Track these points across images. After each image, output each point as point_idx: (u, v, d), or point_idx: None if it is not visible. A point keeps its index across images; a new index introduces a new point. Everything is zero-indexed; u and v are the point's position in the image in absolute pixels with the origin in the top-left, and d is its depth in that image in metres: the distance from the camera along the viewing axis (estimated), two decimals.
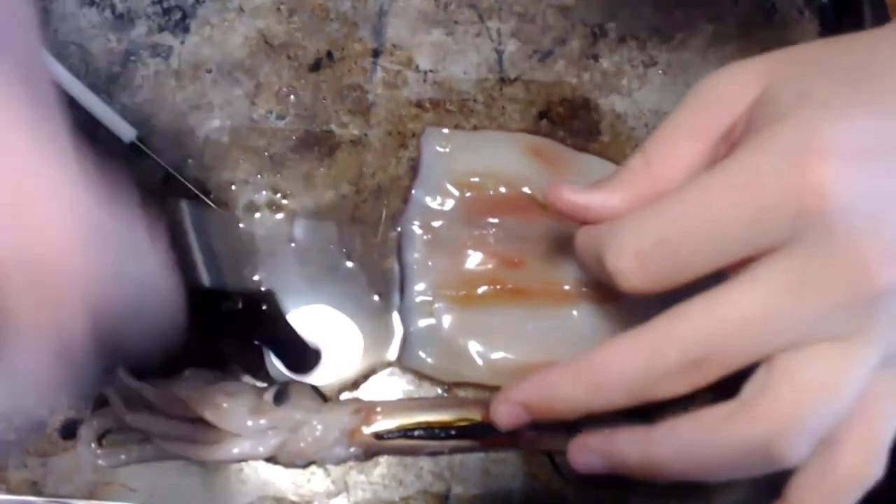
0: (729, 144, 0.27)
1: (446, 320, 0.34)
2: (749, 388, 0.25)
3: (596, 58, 0.38)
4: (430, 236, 0.35)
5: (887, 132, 0.24)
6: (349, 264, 0.36)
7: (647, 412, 0.31)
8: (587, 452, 0.29)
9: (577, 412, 0.28)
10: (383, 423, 0.32)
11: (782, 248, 0.24)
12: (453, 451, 0.33)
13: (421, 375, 0.34)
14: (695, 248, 0.25)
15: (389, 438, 0.31)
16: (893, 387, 0.25)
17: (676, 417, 0.27)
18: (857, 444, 0.25)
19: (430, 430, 0.31)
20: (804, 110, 0.24)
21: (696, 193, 0.25)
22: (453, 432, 0.31)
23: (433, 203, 0.36)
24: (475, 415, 0.32)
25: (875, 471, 0.25)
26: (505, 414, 0.29)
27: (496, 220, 0.35)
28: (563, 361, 0.28)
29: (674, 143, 0.28)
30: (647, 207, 0.27)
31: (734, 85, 0.27)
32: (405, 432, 0.31)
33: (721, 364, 0.25)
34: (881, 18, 0.36)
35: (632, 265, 0.26)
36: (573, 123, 0.37)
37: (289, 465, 0.32)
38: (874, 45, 0.26)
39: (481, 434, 0.31)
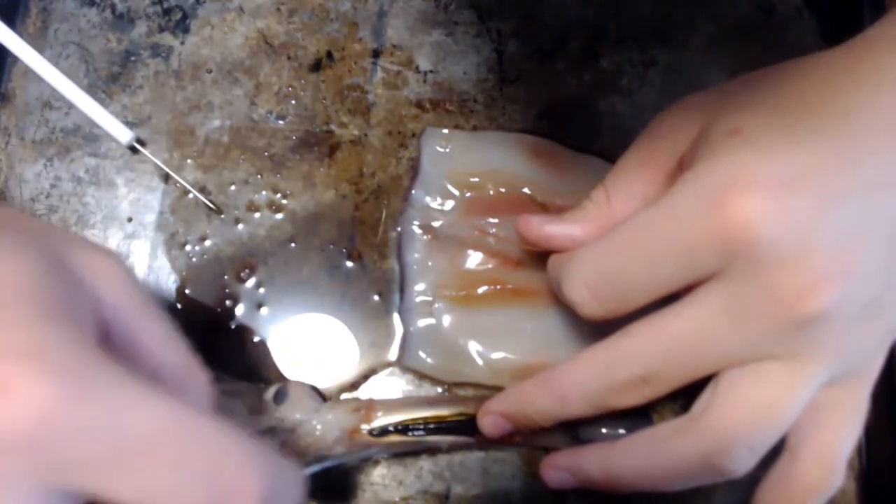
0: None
1: (446, 320, 0.34)
2: (697, 404, 0.27)
3: (596, 58, 0.38)
4: (430, 236, 0.35)
5: (816, 162, 0.24)
6: (349, 264, 0.36)
7: (646, 410, 0.31)
8: (556, 469, 0.31)
9: (549, 420, 0.29)
10: (383, 422, 0.32)
11: (718, 275, 0.25)
12: (452, 449, 0.33)
13: (421, 375, 0.34)
14: (634, 278, 0.27)
15: (387, 434, 0.31)
16: (845, 402, 0.27)
17: (637, 433, 0.28)
18: (814, 456, 0.27)
19: (426, 425, 0.31)
20: (732, 146, 0.25)
21: (631, 229, 0.27)
22: (447, 425, 0.32)
23: (433, 203, 0.36)
24: (473, 411, 0.32)
25: (833, 481, 0.27)
26: (490, 424, 0.31)
27: (496, 220, 0.35)
28: (537, 375, 0.30)
29: (629, 176, 0.30)
30: (595, 241, 0.28)
31: (679, 119, 0.29)
32: (403, 429, 0.31)
33: (666, 380, 0.27)
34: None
35: (585, 295, 0.28)
36: (573, 123, 0.37)
37: None
38: (815, 73, 0.27)
39: (476, 429, 0.31)
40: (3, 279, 0.18)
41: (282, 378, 0.34)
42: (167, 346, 0.22)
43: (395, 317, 0.35)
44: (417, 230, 0.35)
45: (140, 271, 0.35)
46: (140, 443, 0.17)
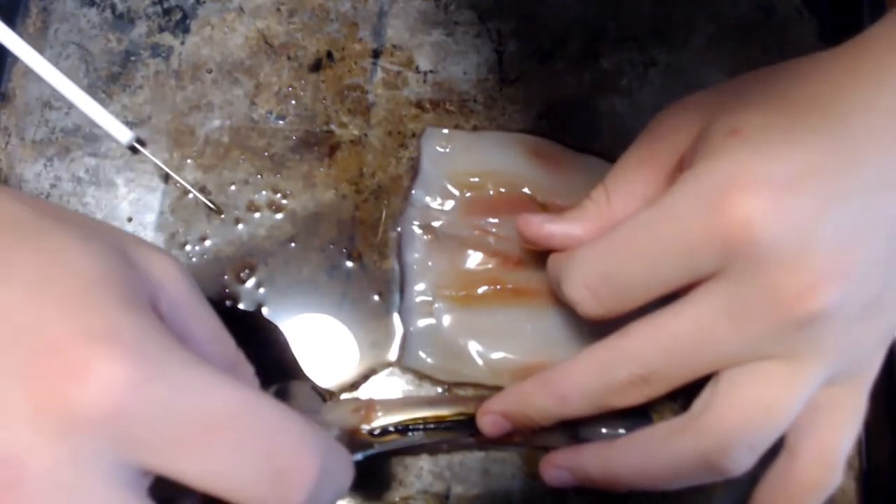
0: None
1: (446, 320, 0.34)
2: (697, 404, 0.27)
3: (596, 58, 0.38)
4: (430, 236, 0.35)
5: (816, 162, 0.24)
6: (349, 264, 0.36)
7: (646, 410, 0.31)
8: (556, 468, 0.31)
9: (549, 419, 0.29)
10: (383, 422, 0.32)
11: (718, 275, 0.25)
12: (452, 449, 0.33)
13: (421, 375, 0.34)
14: (634, 278, 0.27)
15: (387, 434, 0.31)
16: (844, 401, 0.27)
17: (637, 431, 0.28)
18: (814, 455, 0.27)
19: (426, 425, 0.31)
20: (732, 146, 0.25)
21: (631, 228, 0.27)
22: (447, 425, 0.32)
23: (433, 203, 0.36)
24: (473, 411, 0.32)
25: (832, 479, 0.27)
26: (489, 423, 0.31)
27: (496, 220, 0.35)
28: (537, 374, 0.29)
29: (629, 175, 0.30)
30: (595, 241, 0.28)
31: (680, 119, 0.29)
32: (403, 429, 0.31)
33: (666, 379, 0.27)
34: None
35: (584, 295, 0.28)
36: (573, 123, 0.37)
37: None
38: (815, 72, 0.27)
39: (476, 429, 0.32)
40: (76, 265, 0.19)
41: (283, 377, 0.34)
42: (216, 339, 0.23)
43: (395, 317, 0.35)
44: (417, 230, 0.35)
45: None
46: (206, 421, 0.18)
